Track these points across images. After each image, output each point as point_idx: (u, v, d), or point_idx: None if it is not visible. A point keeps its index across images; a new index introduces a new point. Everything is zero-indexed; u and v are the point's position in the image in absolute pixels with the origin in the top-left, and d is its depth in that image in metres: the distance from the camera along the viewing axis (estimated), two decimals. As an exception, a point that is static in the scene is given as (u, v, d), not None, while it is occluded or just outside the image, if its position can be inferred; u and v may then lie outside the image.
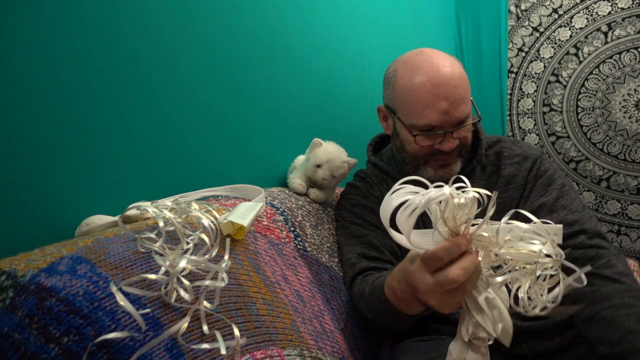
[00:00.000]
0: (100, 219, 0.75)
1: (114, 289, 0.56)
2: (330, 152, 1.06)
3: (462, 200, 0.56)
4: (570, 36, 2.13)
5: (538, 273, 0.56)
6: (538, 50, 2.21)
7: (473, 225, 0.58)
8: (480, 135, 1.03)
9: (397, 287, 0.72)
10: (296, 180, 1.10)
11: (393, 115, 1.01)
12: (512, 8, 2.23)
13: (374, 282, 0.86)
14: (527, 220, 0.60)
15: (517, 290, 0.56)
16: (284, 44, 1.22)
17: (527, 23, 2.21)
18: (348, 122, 1.47)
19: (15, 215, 0.70)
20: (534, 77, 2.23)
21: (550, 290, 0.56)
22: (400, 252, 1.00)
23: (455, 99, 0.91)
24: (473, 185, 0.98)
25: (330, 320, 0.87)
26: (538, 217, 0.89)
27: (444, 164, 0.97)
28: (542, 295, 0.56)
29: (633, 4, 2.00)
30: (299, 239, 0.94)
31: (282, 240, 0.90)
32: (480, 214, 0.58)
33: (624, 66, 2.04)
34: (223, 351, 0.58)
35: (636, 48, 2.01)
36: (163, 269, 0.62)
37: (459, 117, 0.92)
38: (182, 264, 0.61)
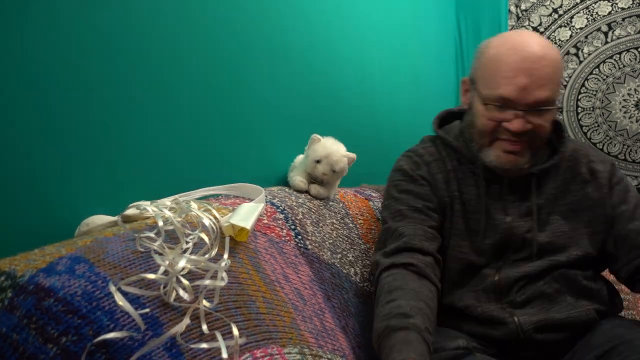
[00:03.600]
0: (100, 219, 0.75)
1: (112, 288, 0.56)
2: (328, 147, 1.07)
3: None
4: (570, 36, 2.13)
5: None
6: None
7: None
8: (563, 133, 0.99)
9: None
10: (297, 178, 1.10)
11: (472, 86, 0.97)
12: (512, 8, 2.23)
13: (396, 307, 0.81)
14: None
15: None
16: (284, 43, 1.21)
17: (527, 23, 2.21)
18: (348, 122, 1.46)
19: (15, 215, 0.70)
20: (534, 77, 2.22)
21: None
22: (459, 235, 0.98)
23: (537, 78, 0.87)
24: (549, 180, 0.99)
25: (331, 319, 0.87)
26: (620, 225, 0.95)
27: (509, 151, 0.92)
28: None
29: (633, 4, 2.00)
30: (299, 237, 0.94)
31: (283, 239, 0.90)
32: None
33: (624, 66, 2.04)
34: (224, 355, 0.58)
35: (636, 48, 2.01)
36: (162, 269, 0.62)
37: (537, 98, 0.87)
38: (182, 263, 0.61)
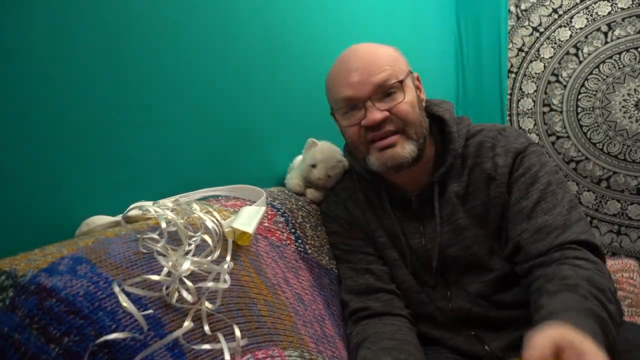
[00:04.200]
0: (101, 219, 0.75)
1: (117, 289, 0.56)
2: (324, 152, 1.06)
3: None
4: (570, 36, 2.13)
5: None
6: (538, 50, 2.21)
7: None
8: (450, 127, 0.91)
9: None
10: (294, 180, 1.10)
11: (332, 111, 0.96)
12: (512, 8, 2.23)
13: None
14: None
15: None
16: (283, 44, 1.21)
17: (527, 23, 2.21)
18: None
19: (16, 215, 0.70)
20: (534, 77, 2.23)
21: None
22: (396, 265, 0.96)
23: (368, 68, 0.85)
24: (453, 184, 0.91)
25: (331, 326, 0.87)
26: (516, 225, 0.84)
27: (384, 147, 0.86)
28: None
29: (633, 4, 2.00)
30: (299, 240, 0.94)
31: (283, 242, 0.90)
32: None
33: (624, 66, 2.04)
34: (227, 356, 0.58)
35: (636, 48, 2.01)
36: (165, 270, 0.62)
37: (374, 83, 0.84)
38: (186, 265, 0.61)
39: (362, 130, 0.87)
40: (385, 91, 0.85)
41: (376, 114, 0.84)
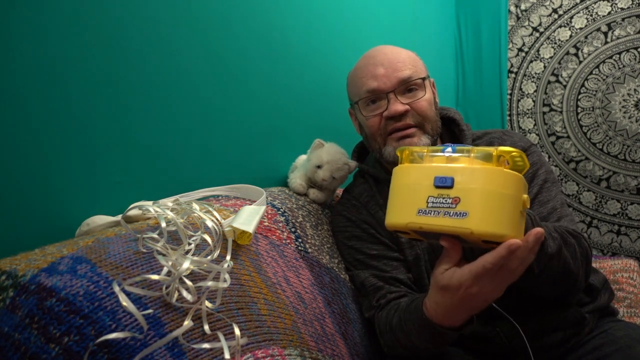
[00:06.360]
0: (101, 219, 0.75)
1: (116, 289, 0.56)
2: (331, 154, 1.06)
3: None
4: (570, 36, 2.13)
5: None
6: (538, 50, 2.21)
7: None
8: (461, 126, 1.00)
9: (439, 300, 0.69)
10: (296, 180, 1.09)
11: (353, 108, 1.02)
12: (512, 8, 2.23)
13: (405, 309, 0.81)
14: None
15: None
16: (284, 43, 1.21)
17: (527, 23, 2.21)
18: (349, 123, 1.46)
19: (16, 215, 0.70)
20: (534, 77, 2.23)
21: None
22: (416, 264, 0.95)
23: (393, 64, 0.93)
24: None
25: (332, 324, 0.86)
26: None
27: (402, 137, 0.93)
28: None
29: (633, 4, 2.00)
30: (300, 240, 0.94)
31: (283, 242, 0.90)
32: None
33: (623, 66, 2.04)
34: (227, 355, 0.58)
35: (636, 48, 2.01)
36: (165, 269, 0.62)
37: (399, 78, 0.92)
38: (186, 264, 0.61)
39: (383, 121, 0.94)
40: (408, 87, 0.94)
41: (398, 105, 0.92)
